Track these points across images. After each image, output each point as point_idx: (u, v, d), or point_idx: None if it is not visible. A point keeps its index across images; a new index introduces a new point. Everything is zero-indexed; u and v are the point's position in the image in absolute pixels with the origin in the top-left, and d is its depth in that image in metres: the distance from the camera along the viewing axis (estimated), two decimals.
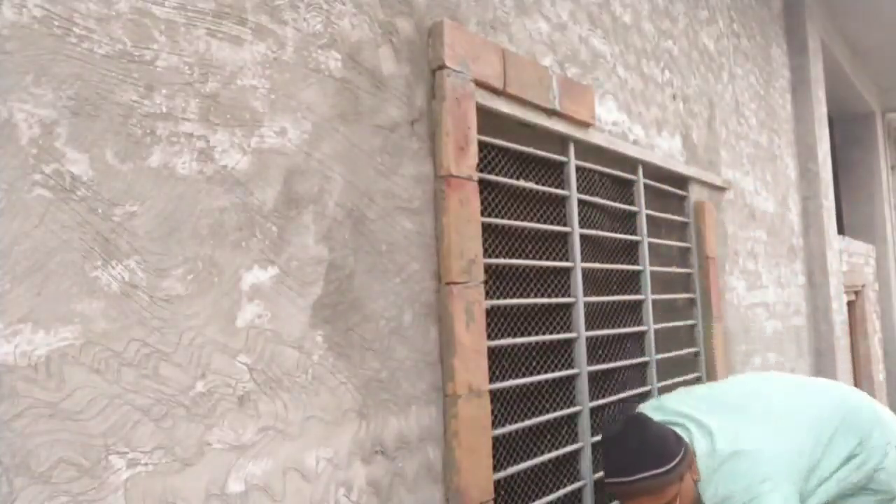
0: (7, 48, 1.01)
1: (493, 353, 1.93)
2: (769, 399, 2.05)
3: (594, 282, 2.49)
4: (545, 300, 2.17)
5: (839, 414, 2.00)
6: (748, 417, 1.95)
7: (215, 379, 1.23)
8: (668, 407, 2.10)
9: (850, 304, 6.59)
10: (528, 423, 2.02)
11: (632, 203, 2.81)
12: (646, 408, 2.17)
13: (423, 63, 1.78)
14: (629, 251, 2.76)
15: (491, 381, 1.88)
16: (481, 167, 1.93)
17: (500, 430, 1.90)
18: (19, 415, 0.98)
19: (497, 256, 2.01)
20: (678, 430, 1.95)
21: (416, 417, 1.64)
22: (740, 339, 3.75)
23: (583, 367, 2.30)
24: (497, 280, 2.00)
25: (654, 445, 1.83)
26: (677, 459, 1.82)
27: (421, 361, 1.67)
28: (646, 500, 1.79)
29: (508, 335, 2.02)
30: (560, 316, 2.28)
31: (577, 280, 2.33)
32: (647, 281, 2.81)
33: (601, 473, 2.35)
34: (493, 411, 1.85)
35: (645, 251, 2.81)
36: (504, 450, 1.96)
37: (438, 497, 1.68)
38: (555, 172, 2.34)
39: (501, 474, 1.89)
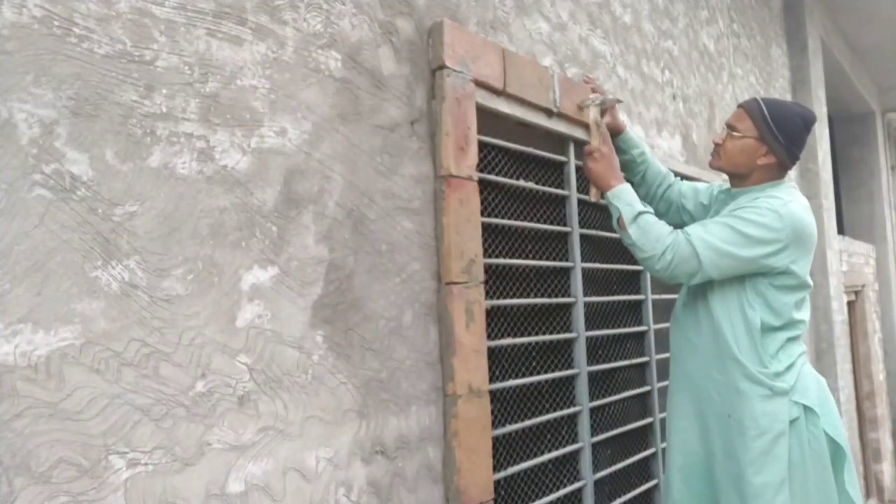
0: (7, 48, 1.01)
1: (493, 353, 1.93)
2: None
3: (594, 282, 2.49)
4: (545, 300, 2.17)
5: None
6: None
7: (215, 379, 1.23)
8: None
9: (850, 304, 6.58)
10: (528, 423, 2.02)
11: None
12: None
13: (423, 63, 1.78)
14: (629, 251, 2.76)
15: (491, 381, 1.88)
16: (481, 167, 1.93)
17: (500, 430, 1.90)
18: (19, 415, 0.98)
19: (497, 256, 2.01)
20: None
21: (416, 417, 1.64)
22: None
23: (583, 367, 2.30)
24: (497, 280, 2.00)
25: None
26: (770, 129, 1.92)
27: (421, 361, 1.67)
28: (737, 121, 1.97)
29: (508, 335, 2.02)
30: (560, 316, 2.28)
31: (577, 280, 2.33)
32: (647, 281, 2.81)
33: (601, 473, 2.35)
34: (493, 411, 1.85)
35: None
36: (504, 450, 1.96)
37: (438, 497, 1.68)
38: (555, 172, 2.34)
39: (501, 474, 1.89)
